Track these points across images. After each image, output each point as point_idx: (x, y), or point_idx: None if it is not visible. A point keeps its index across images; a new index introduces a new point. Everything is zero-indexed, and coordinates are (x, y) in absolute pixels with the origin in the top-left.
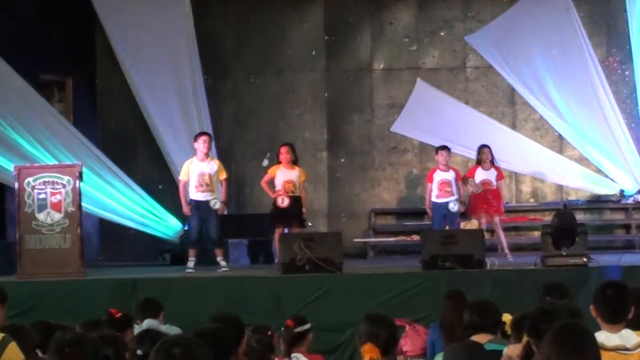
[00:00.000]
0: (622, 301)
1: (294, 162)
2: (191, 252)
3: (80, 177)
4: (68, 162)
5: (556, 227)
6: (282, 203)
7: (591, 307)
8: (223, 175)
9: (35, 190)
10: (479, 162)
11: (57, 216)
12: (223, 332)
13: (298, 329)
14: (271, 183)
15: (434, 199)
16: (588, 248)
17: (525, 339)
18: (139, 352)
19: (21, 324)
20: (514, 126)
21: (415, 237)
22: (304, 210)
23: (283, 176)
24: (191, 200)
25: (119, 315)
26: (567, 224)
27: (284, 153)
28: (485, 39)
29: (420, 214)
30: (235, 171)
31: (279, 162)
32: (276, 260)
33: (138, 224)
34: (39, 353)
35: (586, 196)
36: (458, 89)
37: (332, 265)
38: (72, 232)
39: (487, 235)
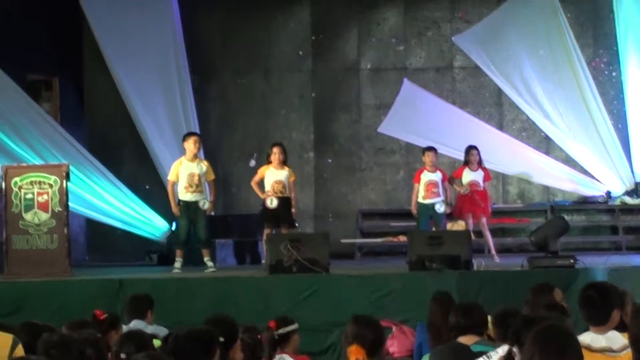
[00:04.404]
0: (604, 302)
1: (284, 162)
2: (178, 253)
3: (67, 177)
4: (55, 162)
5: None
6: (271, 204)
7: (579, 309)
8: (211, 177)
9: (23, 190)
10: (467, 163)
11: (44, 216)
12: (208, 333)
13: (280, 331)
14: (261, 183)
15: (420, 200)
16: (575, 249)
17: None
18: (122, 355)
19: (9, 325)
20: (500, 127)
21: (402, 238)
22: (293, 210)
23: (272, 176)
24: (180, 200)
25: (103, 316)
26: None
27: (277, 153)
28: (472, 39)
29: (407, 214)
30: (222, 171)
31: (269, 162)
32: (263, 261)
33: (125, 224)
34: None
35: (573, 197)
36: (445, 90)
37: (319, 266)
38: (59, 232)
39: (473, 237)
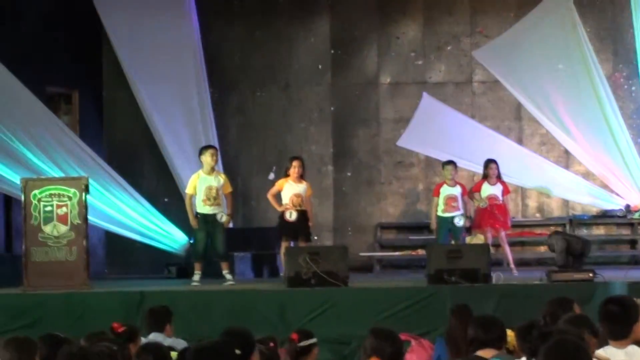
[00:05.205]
0: (625, 316)
1: (302, 176)
2: (197, 266)
3: (86, 189)
4: (74, 175)
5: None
6: (290, 217)
7: (597, 323)
8: (228, 189)
9: (42, 203)
10: (486, 176)
11: (63, 229)
12: (225, 346)
13: (302, 343)
14: (277, 196)
15: (439, 214)
16: (594, 263)
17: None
18: None
19: (27, 336)
20: (520, 141)
21: (421, 252)
22: (310, 224)
23: (291, 190)
24: (198, 213)
25: (121, 329)
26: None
27: (296, 167)
28: (491, 53)
29: (426, 228)
30: (241, 185)
31: (287, 175)
32: (282, 274)
33: (144, 237)
34: None
35: (592, 211)
36: (464, 104)
37: (338, 279)
38: (78, 245)
39: (492, 250)
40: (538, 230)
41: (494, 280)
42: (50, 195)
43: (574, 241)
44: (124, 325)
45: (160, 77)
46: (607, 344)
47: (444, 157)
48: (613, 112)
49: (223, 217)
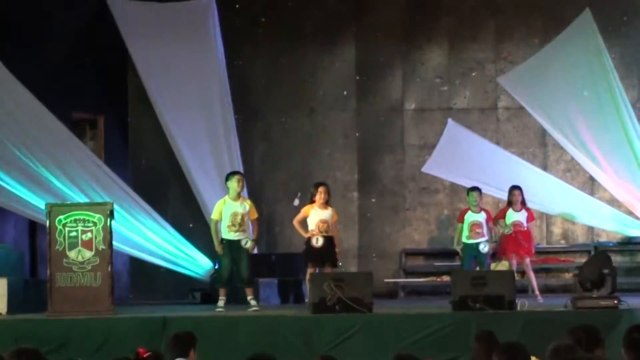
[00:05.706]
0: None
1: (327, 202)
2: (222, 291)
3: (111, 215)
4: (99, 200)
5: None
6: (317, 243)
7: (622, 350)
8: (254, 216)
9: (67, 228)
10: (510, 203)
11: (88, 254)
12: None
13: None
14: (303, 222)
15: (464, 240)
16: (619, 290)
17: None
18: None
19: (35, 349)
20: (545, 167)
21: (446, 278)
22: (337, 250)
23: (317, 216)
24: (223, 239)
25: (146, 355)
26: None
27: (322, 193)
28: (516, 80)
29: (451, 254)
30: (266, 211)
31: (313, 202)
32: (306, 300)
33: (168, 263)
34: None
35: (617, 238)
36: (489, 130)
37: (362, 305)
38: (103, 270)
39: (517, 277)
40: (563, 257)
41: (518, 307)
42: (75, 220)
43: (591, 266)
44: (149, 350)
45: (185, 103)
46: None
47: (469, 184)
48: (638, 138)
49: (248, 243)
